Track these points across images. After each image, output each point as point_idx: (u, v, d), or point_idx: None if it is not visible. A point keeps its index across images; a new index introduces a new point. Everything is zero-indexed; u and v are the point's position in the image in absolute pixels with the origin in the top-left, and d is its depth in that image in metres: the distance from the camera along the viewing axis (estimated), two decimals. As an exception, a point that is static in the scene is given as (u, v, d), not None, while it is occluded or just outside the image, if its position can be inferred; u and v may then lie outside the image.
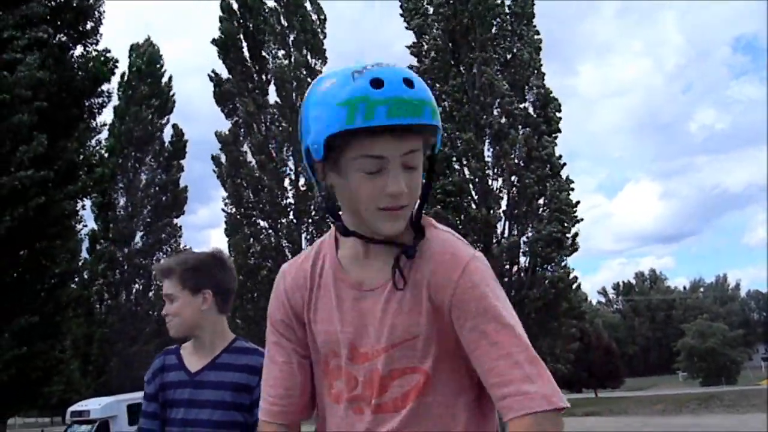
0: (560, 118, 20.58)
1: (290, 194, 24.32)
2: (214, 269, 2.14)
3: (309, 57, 25.15)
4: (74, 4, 15.02)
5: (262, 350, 2.08)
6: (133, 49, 31.30)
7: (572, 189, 20.19)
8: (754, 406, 18.95)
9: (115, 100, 24.94)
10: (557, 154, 20.10)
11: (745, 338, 55.32)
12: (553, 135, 20.38)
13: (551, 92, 20.66)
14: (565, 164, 20.31)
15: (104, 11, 15.62)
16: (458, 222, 19.32)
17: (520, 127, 19.65)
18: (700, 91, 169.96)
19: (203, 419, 2.03)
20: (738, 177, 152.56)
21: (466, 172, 20.21)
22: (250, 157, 24.18)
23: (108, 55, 15.35)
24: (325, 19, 25.74)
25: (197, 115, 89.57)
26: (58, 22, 14.58)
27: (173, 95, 31.48)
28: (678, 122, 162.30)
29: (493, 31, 20.42)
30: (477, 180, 19.91)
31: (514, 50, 20.33)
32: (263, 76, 24.70)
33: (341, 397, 1.23)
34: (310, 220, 24.20)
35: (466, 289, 1.17)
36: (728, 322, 57.91)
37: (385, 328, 1.19)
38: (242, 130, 24.29)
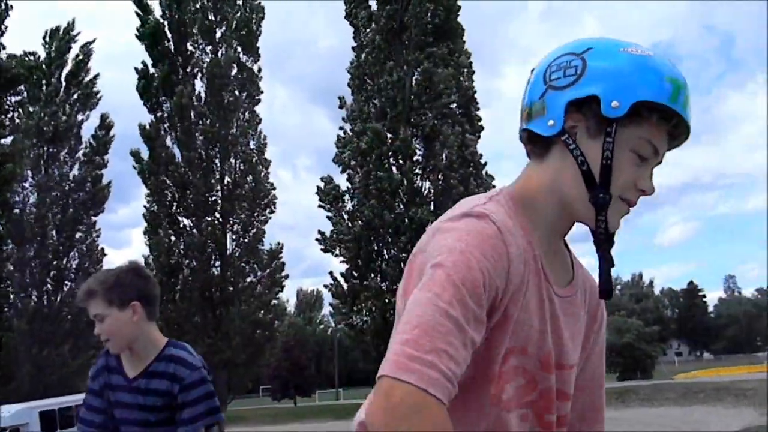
0: (480, 117, 21.16)
1: (217, 192, 23.72)
2: (135, 280, 2.21)
3: (241, 54, 24.66)
4: None
5: (186, 355, 2.24)
6: (50, 35, 29.30)
7: (494, 186, 20.63)
8: (669, 399, 19.79)
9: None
10: (479, 153, 20.67)
11: (660, 334, 58.01)
12: (477, 134, 20.86)
13: (474, 90, 21.19)
14: (486, 163, 20.90)
15: (12, 6, 14.88)
16: (392, 220, 19.46)
17: (449, 125, 19.89)
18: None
19: (140, 419, 2.21)
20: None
21: (394, 170, 20.25)
22: (175, 153, 23.36)
23: (31, 57, 14.68)
24: (262, 18, 25.21)
25: (113, 109, 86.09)
26: None
27: (96, 89, 29.98)
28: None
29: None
30: (406, 181, 19.97)
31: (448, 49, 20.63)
32: (187, 70, 23.93)
33: (509, 402, 1.02)
34: (237, 220, 23.65)
35: (605, 319, 1.21)
36: (643, 319, 60.52)
37: (571, 344, 1.09)
38: (167, 125, 23.43)
